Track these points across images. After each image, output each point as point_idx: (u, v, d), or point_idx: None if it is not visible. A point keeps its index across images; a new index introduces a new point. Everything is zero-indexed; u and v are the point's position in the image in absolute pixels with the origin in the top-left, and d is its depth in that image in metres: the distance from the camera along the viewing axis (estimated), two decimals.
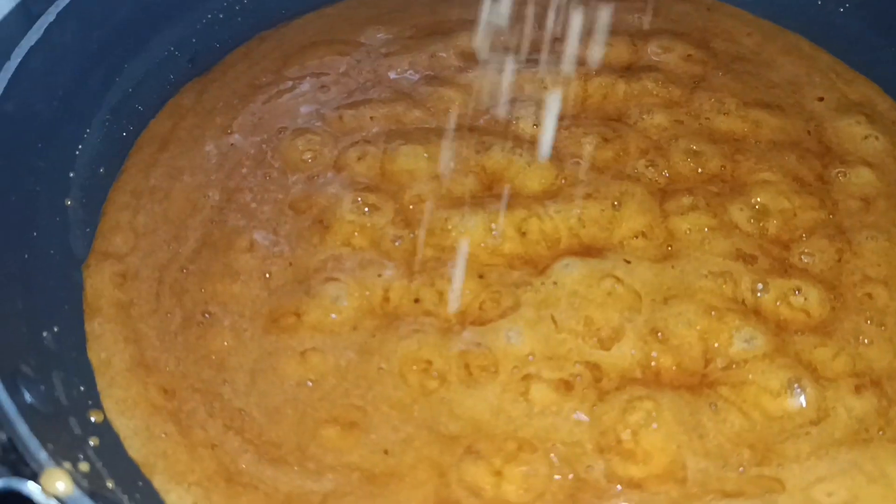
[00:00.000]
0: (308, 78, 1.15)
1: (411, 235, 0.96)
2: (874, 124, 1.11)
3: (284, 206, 1.01)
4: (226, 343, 0.90)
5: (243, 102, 1.12)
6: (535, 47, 1.14)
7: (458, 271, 0.92)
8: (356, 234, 0.97)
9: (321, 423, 0.85)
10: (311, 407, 0.86)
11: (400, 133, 1.07)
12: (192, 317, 0.93)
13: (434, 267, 0.94)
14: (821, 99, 1.15)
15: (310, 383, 0.87)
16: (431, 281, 0.92)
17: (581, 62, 1.13)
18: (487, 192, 1.00)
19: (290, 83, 1.15)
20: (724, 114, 1.11)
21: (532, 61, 1.14)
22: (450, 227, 0.96)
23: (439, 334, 0.89)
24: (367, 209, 0.98)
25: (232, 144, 1.07)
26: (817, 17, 1.21)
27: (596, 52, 1.13)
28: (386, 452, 0.83)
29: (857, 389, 0.87)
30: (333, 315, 0.91)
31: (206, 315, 0.93)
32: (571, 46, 1.08)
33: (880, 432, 0.85)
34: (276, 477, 0.81)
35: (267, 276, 0.95)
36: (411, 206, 0.99)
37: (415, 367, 0.87)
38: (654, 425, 0.83)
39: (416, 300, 0.92)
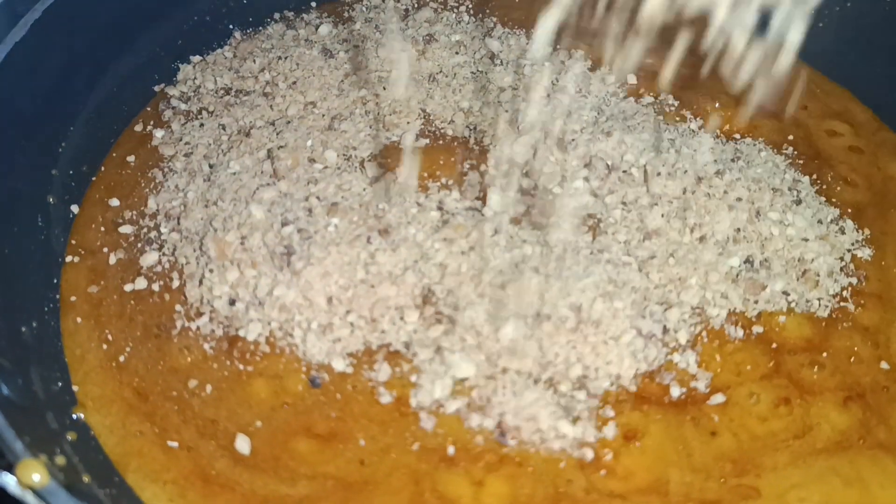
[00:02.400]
0: None
1: None
2: (858, 136, 1.14)
3: None
4: (189, 359, 0.89)
5: None
6: None
7: None
8: None
9: (295, 436, 0.84)
10: (285, 423, 0.85)
11: None
12: (149, 329, 0.91)
13: None
14: (805, 107, 1.17)
15: (286, 406, 0.86)
16: None
17: None
18: None
19: None
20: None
21: None
22: None
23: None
24: None
25: None
26: None
27: None
28: (362, 463, 0.82)
29: (845, 402, 0.88)
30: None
31: (160, 328, 0.91)
32: None
33: (861, 441, 0.86)
34: (252, 480, 0.81)
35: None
36: None
37: (393, 388, 0.87)
38: (639, 443, 0.84)
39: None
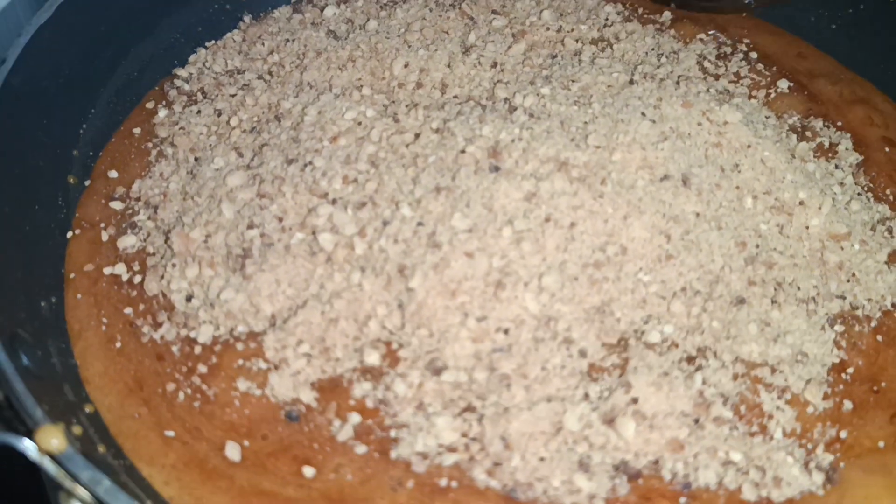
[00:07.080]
0: None
1: None
2: (888, 127, 1.14)
3: None
4: (163, 364, 0.87)
5: None
6: None
7: None
8: None
9: (278, 457, 0.81)
10: (266, 446, 0.82)
11: None
12: (126, 324, 0.90)
13: None
14: (840, 94, 1.17)
15: (264, 438, 0.82)
16: None
17: None
18: None
19: None
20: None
21: None
22: None
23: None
24: None
25: None
26: (811, 32, 1.24)
27: None
28: (342, 491, 0.79)
29: (892, 419, 0.87)
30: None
31: (132, 326, 0.90)
32: None
33: None
34: (248, 478, 0.80)
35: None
36: None
37: (369, 444, 0.82)
38: None
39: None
